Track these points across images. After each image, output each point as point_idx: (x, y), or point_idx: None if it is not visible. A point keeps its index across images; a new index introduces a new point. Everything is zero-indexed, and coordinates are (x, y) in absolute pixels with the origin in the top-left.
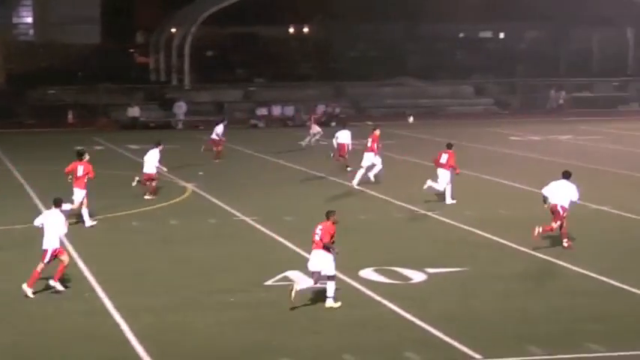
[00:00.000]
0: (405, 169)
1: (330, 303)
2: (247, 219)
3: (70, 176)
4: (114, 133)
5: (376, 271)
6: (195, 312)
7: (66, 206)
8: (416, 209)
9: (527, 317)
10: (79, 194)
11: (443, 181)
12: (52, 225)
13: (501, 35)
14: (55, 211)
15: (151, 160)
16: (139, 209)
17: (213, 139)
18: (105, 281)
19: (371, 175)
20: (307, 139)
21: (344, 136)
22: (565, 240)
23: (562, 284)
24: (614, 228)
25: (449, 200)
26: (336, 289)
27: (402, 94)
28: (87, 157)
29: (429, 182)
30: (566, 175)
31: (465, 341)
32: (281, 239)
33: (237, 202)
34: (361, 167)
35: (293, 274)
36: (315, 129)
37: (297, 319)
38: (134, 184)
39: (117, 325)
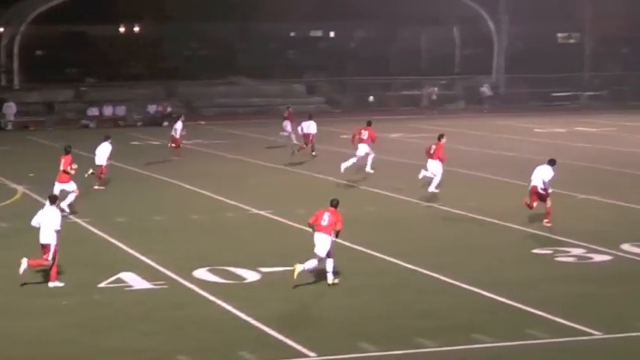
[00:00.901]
0: (238, 168)
1: (330, 279)
2: (79, 220)
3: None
4: None
5: (210, 271)
6: (23, 317)
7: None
8: (248, 208)
9: (360, 314)
10: (69, 187)
11: (437, 171)
12: (49, 221)
13: (332, 34)
14: (50, 208)
15: (103, 153)
16: None
17: (172, 136)
18: None
19: (368, 167)
20: (291, 137)
21: (309, 127)
22: (546, 220)
23: (395, 281)
24: (445, 225)
25: (432, 189)
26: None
27: (234, 93)
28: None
29: (423, 171)
30: (552, 162)
31: (299, 339)
32: (114, 240)
33: None
34: (355, 156)
35: (127, 276)
36: (288, 127)
37: (131, 321)
38: (87, 175)
39: None
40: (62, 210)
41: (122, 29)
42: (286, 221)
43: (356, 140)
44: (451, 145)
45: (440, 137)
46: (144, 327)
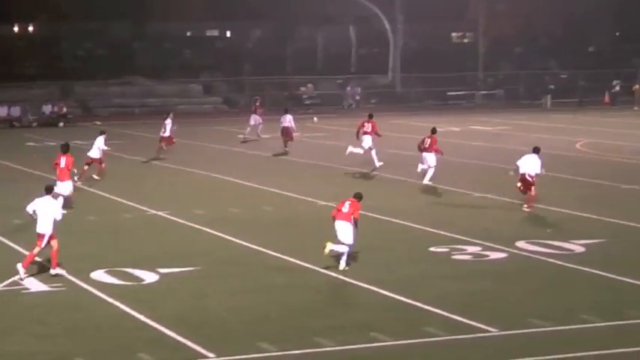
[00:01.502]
0: (136, 169)
1: (342, 265)
2: None
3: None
4: None
5: (108, 272)
6: None
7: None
8: (146, 209)
9: (259, 314)
10: (66, 185)
11: (431, 162)
12: (46, 211)
13: (228, 34)
14: (47, 198)
15: (97, 145)
16: None
17: (166, 136)
18: None
19: (375, 162)
20: (258, 130)
21: (288, 121)
22: (526, 205)
23: (292, 280)
24: None
25: (426, 180)
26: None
27: (130, 94)
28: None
29: (421, 165)
30: (536, 150)
31: (198, 340)
32: (10, 243)
33: None
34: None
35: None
36: (255, 119)
37: (27, 324)
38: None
39: None
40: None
41: (16, 29)
42: (184, 222)
43: (360, 133)
44: (347, 143)
45: (433, 131)
46: (41, 330)
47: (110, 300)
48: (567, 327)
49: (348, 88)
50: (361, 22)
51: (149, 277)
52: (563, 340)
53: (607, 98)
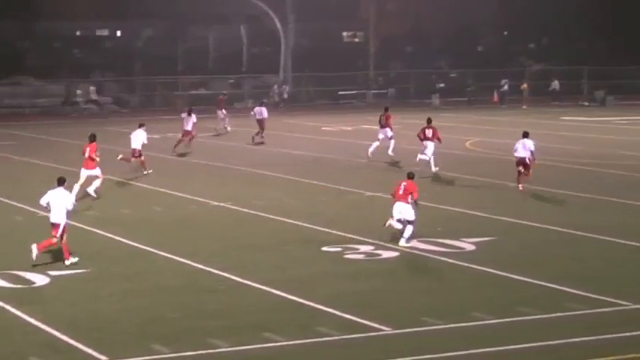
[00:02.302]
0: (25, 170)
1: (402, 242)
2: None
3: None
4: None
5: None
6: None
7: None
8: (36, 211)
9: (151, 316)
10: (90, 173)
11: (429, 151)
12: (60, 202)
13: (118, 33)
14: (59, 189)
15: (138, 138)
16: None
17: (185, 130)
18: None
19: (390, 150)
20: (224, 125)
21: (261, 112)
22: (521, 186)
23: (184, 281)
24: (234, 224)
25: (434, 168)
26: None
27: (20, 94)
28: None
29: (420, 155)
30: (526, 135)
31: (90, 343)
32: None
33: None
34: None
35: None
36: (222, 114)
37: None
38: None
39: None
40: (89, 194)
41: None
42: (74, 223)
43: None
44: (239, 144)
45: (430, 120)
46: None
47: (0, 303)
48: (459, 325)
49: (275, 87)
50: (252, 21)
51: (40, 279)
52: (454, 338)
53: (496, 97)
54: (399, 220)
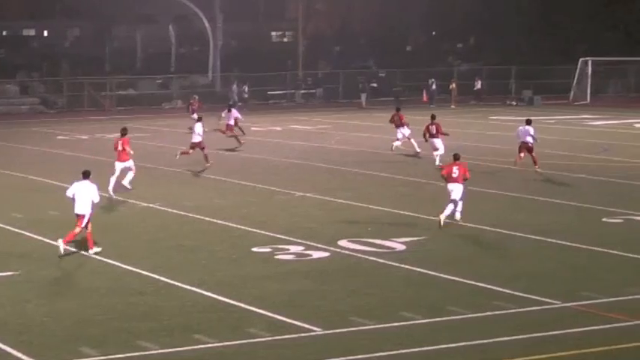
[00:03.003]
0: None
1: (458, 216)
2: None
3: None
4: None
5: None
6: None
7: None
8: None
9: (80, 318)
10: (124, 165)
11: (441, 148)
12: (85, 194)
13: (45, 33)
14: (85, 182)
15: (197, 131)
16: None
17: (228, 124)
18: None
19: (416, 147)
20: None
21: (233, 114)
22: (537, 166)
23: (113, 283)
24: (163, 225)
25: (438, 162)
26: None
27: None
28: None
29: (436, 154)
30: (529, 122)
31: (18, 347)
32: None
33: None
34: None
35: None
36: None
37: None
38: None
39: None
40: (125, 187)
41: None
42: (1, 225)
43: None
44: (168, 144)
45: (434, 117)
46: None
47: None
48: (389, 324)
49: (234, 86)
50: (181, 20)
51: None
52: (384, 338)
53: (425, 97)
54: (452, 200)
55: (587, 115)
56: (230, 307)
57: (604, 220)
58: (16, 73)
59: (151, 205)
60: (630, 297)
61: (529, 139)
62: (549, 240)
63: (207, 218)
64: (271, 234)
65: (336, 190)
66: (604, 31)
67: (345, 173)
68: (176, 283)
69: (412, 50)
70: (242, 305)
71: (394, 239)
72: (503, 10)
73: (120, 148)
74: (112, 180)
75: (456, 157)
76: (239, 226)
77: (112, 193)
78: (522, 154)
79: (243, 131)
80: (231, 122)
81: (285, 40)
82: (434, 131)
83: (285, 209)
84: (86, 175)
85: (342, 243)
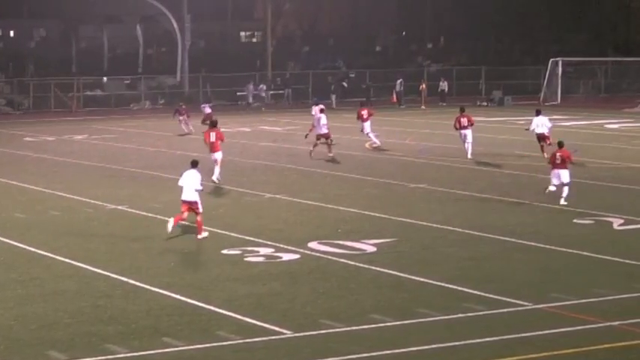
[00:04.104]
0: None
1: (562, 202)
2: None
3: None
4: None
5: None
6: None
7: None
8: None
9: (47, 322)
10: (219, 155)
11: (470, 138)
12: (190, 182)
13: (11, 33)
14: (192, 171)
15: (322, 122)
16: None
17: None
18: None
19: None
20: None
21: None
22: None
23: (79, 286)
24: (131, 227)
25: (470, 153)
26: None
27: None
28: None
29: (466, 147)
30: (539, 112)
31: None
32: None
33: None
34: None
35: None
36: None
37: None
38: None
39: None
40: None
41: None
42: None
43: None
44: (134, 146)
45: (463, 109)
46: None
47: None
48: (358, 327)
49: (250, 86)
50: (148, 21)
51: None
52: (354, 340)
53: (394, 97)
54: (555, 185)
55: (558, 116)
56: (199, 309)
57: (575, 221)
58: None
59: (118, 207)
60: (600, 298)
61: (544, 130)
62: (519, 241)
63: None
64: (241, 236)
65: (306, 191)
66: (573, 31)
67: (314, 174)
68: (144, 286)
69: (381, 50)
70: (211, 308)
71: (364, 241)
72: (473, 11)
73: (212, 139)
74: (217, 169)
75: (560, 145)
76: (208, 228)
77: (217, 180)
78: (543, 144)
79: None
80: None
81: (255, 40)
82: (465, 123)
83: (254, 211)
84: (194, 164)
85: (313, 245)
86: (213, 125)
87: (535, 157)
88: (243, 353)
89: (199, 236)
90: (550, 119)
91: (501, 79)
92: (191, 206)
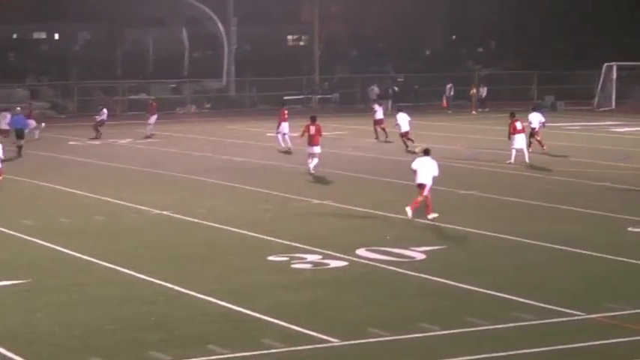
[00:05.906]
0: None
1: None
2: None
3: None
4: None
5: None
6: None
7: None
8: None
9: (91, 328)
10: (318, 149)
11: (524, 144)
12: (427, 167)
13: (56, 36)
14: (427, 158)
15: (403, 121)
16: None
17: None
18: None
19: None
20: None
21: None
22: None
23: (124, 292)
24: (175, 232)
25: (527, 159)
26: None
27: None
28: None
29: (525, 151)
30: (535, 109)
31: (28, 357)
32: None
33: None
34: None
35: None
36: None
37: None
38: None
39: None
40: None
41: None
42: (12, 232)
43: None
44: (180, 150)
45: (513, 114)
46: None
47: None
48: (407, 336)
49: (375, 87)
50: (194, 24)
51: None
52: (402, 350)
53: (444, 102)
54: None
55: (612, 122)
56: (244, 316)
57: (629, 229)
58: (26, 77)
59: (163, 213)
60: None
61: (537, 125)
62: (571, 250)
63: (220, 226)
64: (287, 242)
65: (353, 197)
66: (628, 35)
67: (361, 180)
68: (188, 292)
69: (431, 54)
70: (256, 315)
71: (414, 248)
72: (525, 14)
73: (312, 132)
74: (315, 161)
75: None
76: (253, 234)
77: (312, 171)
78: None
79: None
80: (381, 116)
81: (301, 43)
82: (520, 128)
83: (301, 217)
84: (427, 152)
85: (360, 252)
86: (314, 120)
87: (588, 163)
88: None
89: (429, 216)
90: (543, 115)
91: (553, 83)
92: (422, 188)
